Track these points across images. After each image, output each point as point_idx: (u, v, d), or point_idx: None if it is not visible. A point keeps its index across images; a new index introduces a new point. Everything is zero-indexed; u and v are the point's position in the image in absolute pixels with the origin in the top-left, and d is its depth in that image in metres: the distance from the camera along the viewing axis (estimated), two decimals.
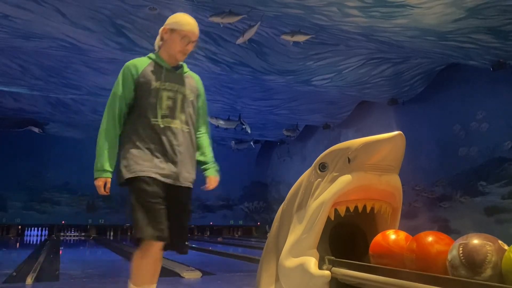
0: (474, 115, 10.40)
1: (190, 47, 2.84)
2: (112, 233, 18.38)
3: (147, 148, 2.72)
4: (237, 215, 20.60)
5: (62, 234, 17.67)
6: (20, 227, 17.36)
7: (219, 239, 17.17)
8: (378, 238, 1.94)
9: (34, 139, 17.29)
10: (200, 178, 3.12)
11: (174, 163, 2.75)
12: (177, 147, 2.76)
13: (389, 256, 1.84)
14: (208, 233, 19.91)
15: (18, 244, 14.14)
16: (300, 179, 2.32)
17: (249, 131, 15.33)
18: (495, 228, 9.19)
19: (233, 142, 18.52)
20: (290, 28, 8.60)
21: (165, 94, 2.75)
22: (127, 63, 2.80)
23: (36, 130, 16.76)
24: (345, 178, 2.05)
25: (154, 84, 2.75)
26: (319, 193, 2.13)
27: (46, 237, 16.79)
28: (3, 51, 9.91)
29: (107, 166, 2.80)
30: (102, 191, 2.91)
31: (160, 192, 2.69)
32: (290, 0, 7.45)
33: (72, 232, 18.06)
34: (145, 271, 2.68)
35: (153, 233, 2.58)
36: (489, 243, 1.90)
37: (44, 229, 17.57)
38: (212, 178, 3.08)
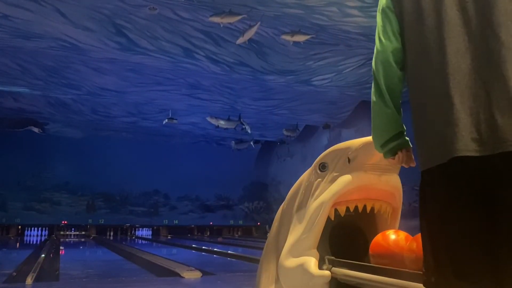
0: None
1: None
2: (112, 233, 18.38)
3: None
4: (237, 215, 20.61)
5: (62, 234, 17.67)
6: (20, 227, 17.36)
7: (219, 239, 17.17)
8: (378, 238, 1.94)
9: (34, 139, 17.28)
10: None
11: None
12: None
13: (389, 256, 1.83)
14: (208, 233, 19.92)
15: (18, 244, 14.14)
16: (300, 179, 2.32)
17: (249, 131, 15.33)
18: None
19: (233, 142, 18.53)
20: (290, 28, 8.60)
21: None
22: None
23: (36, 130, 16.76)
24: (345, 178, 2.05)
25: None
26: (319, 193, 2.12)
27: (46, 237, 16.78)
28: (3, 51, 9.91)
29: None
30: None
31: None
32: (290, 0, 7.45)
33: (72, 232, 18.06)
34: None
35: None
36: None
37: (44, 229, 17.57)
38: None
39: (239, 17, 7.88)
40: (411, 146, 1.52)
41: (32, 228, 17.54)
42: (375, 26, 1.58)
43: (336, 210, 2.11)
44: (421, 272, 1.33)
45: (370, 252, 1.94)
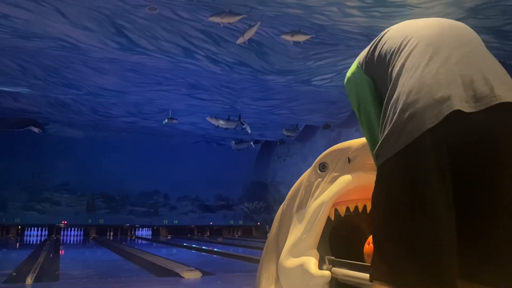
0: None
1: None
2: (112, 233, 18.38)
3: None
4: (237, 215, 20.61)
5: (62, 234, 17.67)
6: (20, 227, 17.35)
7: (219, 239, 17.17)
8: (371, 238, 1.94)
9: (34, 139, 17.29)
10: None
11: None
12: None
13: None
14: (208, 233, 19.92)
15: (18, 244, 14.14)
16: (300, 179, 2.32)
17: (249, 131, 15.33)
18: None
19: (233, 142, 18.53)
20: (290, 28, 8.59)
21: None
22: None
23: (36, 130, 16.76)
24: (345, 178, 2.05)
25: None
26: (319, 193, 2.12)
27: (46, 237, 16.78)
28: (3, 51, 9.91)
29: None
30: None
31: None
32: (290, 0, 7.45)
33: (72, 232, 18.05)
34: None
35: None
36: None
37: (44, 229, 17.56)
38: None
39: (239, 17, 7.88)
40: None
41: (32, 228, 17.53)
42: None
43: (336, 210, 2.11)
44: None
45: (365, 251, 1.94)
